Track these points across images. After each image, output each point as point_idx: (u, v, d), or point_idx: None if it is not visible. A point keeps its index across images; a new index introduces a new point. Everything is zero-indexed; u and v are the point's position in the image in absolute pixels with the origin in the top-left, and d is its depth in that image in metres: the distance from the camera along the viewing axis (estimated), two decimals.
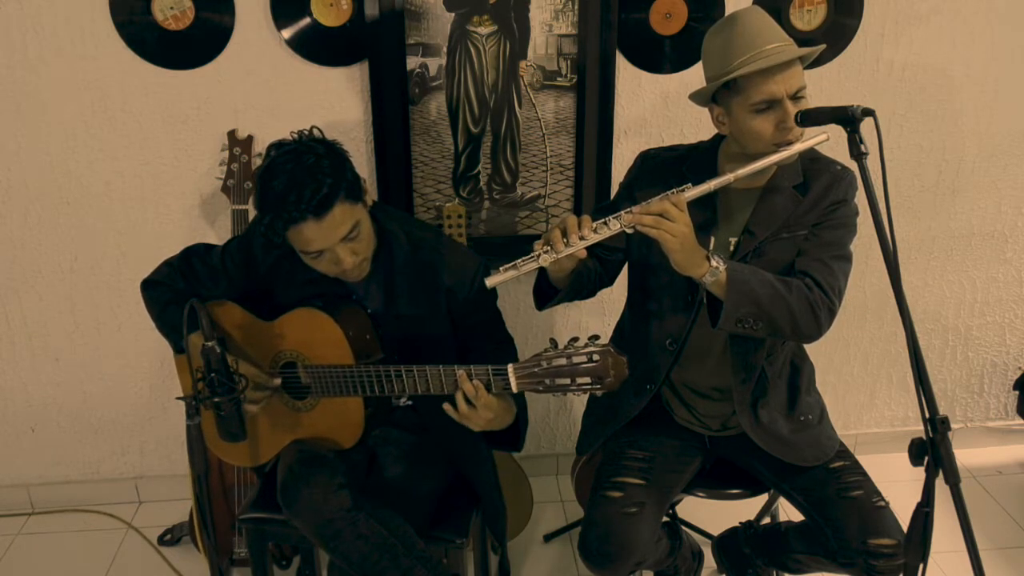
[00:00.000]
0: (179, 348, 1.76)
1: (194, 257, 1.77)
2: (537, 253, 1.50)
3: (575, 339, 1.43)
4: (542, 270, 1.56)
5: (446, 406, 1.52)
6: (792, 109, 1.50)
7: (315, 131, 1.58)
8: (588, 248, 1.50)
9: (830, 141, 1.55)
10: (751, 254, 1.64)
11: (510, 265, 1.50)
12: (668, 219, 1.46)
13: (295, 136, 1.56)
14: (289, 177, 1.47)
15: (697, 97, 1.63)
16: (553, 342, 1.44)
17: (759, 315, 1.53)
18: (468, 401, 1.50)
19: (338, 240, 1.52)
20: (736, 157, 1.60)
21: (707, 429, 1.84)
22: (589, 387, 1.42)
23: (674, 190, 1.51)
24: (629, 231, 1.50)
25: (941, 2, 2.30)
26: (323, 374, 1.64)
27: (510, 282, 1.55)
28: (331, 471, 1.63)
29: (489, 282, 1.52)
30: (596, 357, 1.40)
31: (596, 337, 1.43)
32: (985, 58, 2.37)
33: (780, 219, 1.63)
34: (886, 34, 2.32)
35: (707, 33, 1.60)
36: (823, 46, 1.58)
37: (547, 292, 1.68)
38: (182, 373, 1.83)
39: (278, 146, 1.54)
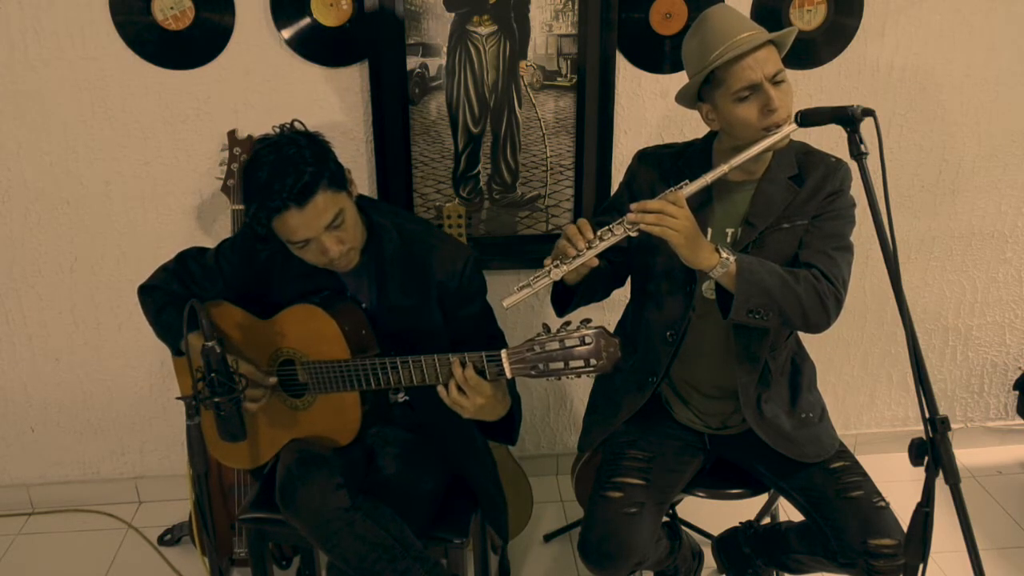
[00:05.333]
0: (177, 350, 1.76)
1: (189, 259, 1.79)
2: (548, 268, 1.52)
3: (567, 323, 1.44)
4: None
5: (439, 388, 1.53)
6: (773, 92, 1.53)
7: (296, 124, 1.61)
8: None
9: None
10: (751, 245, 1.66)
11: (524, 284, 1.52)
12: (669, 216, 1.48)
13: (277, 129, 1.58)
14: (271, 168, 1.50)
15: (683, 98, 1.67)
16: (546, 327, 1.45)
17: (769, 305, 1.55)
18: (459, 388, 1.51)
19: (323, 228, 1.53)
20: (730, 151, 1.62)
21: (707, 427, 1.84)
22: (582, 370, 1.43)
23: (672, 188, 1.53)
24: (634, 234, 1.52)
25: (941, 2, 2.30)
26: (320, 370, 1.64)
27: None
28: (329, 471, 1.63)
29: (506, 303, 1.53)
30: (588, 339, 1.41)
31: (588, 320, 1.43)
32: (985, 58, 2.37)
33: (778, 209, 1.65)
34: (886, 34, 2.32)
35: (684, 37, 1.64)
36: (795, 28, 1.62)
37: (564, 298, 1.71)
38: (180, 375, 1.83)
39: (261, 140, 1.57)
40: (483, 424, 1.64)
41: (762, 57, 1.53)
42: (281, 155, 1.51)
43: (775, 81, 1.54)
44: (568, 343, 1.42)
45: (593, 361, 1.42)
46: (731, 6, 1.62)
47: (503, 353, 1.47)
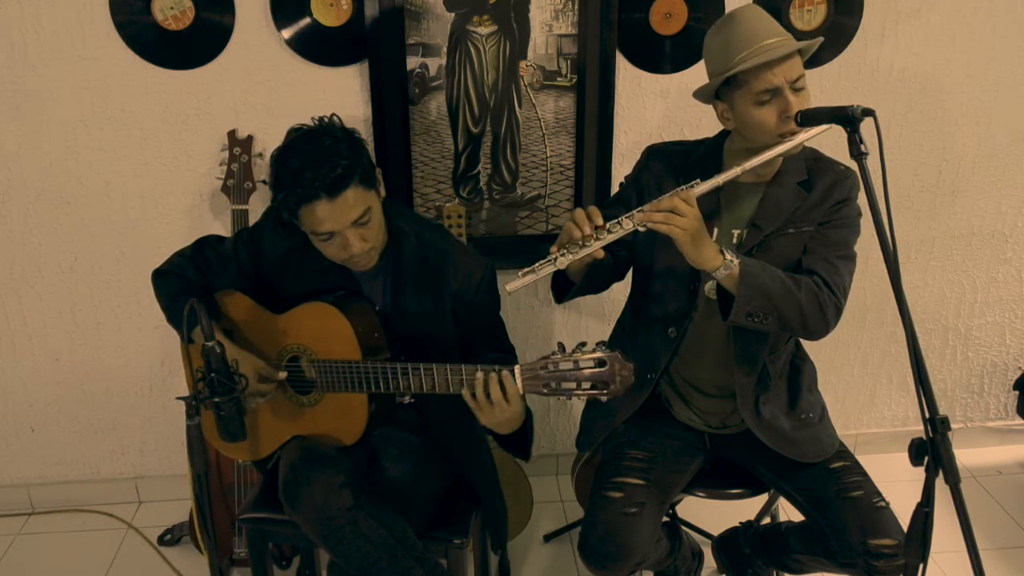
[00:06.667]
0: (188, 338, 1.76)
1: (207, 247, 1.79)
2: (554, 256, 1.53)
3: (583, 344, 1.43)
4: None
5: (465, 392, 1.52)
6: (792, 99, 1.53)
7: (335, 118, 1.60)
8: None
9: (831, 141, 1.56)
10: (756, 248, 1.66)
11: (528, 270, 1.53)
12: (678, 215, 1.48)
13: (315, 121, 1.58)
14: (305, 156, 1.50)
15: (701, 95, 1.66)
16: (561, 346, 1.44)
17: (769, 309, 1.55)
18: (487, 395, 1.50)
19: (349, 223, 1.53)
20: (742, 152, 1.62)
21: (707, 426, 1.84)
22: (595, 392, 1.42)
23: (683, 187, 1.54)
24: (641, 229, 1.53)
25: (941, 2, 2.30)
26: (329, 369, 1.64)
27: (509, 278, 1.56)
28: (333, 469, 1.63)
29: (509, 288, 1.53)
30: (604, 362, 1.40)
31: (604, 343, 1.43)
32: (985, 58, 2.37)
33: (785, 213, 1.65)
34: (886, 34, 2.32)
35: (708, 32, 1.63)
36: (821, 39, 1.61)
37: (563, 286, 1.71)
38: (187, 364, 1.83)
39: (297, 129, 1.57)
40: (499, 436, 1.63)
41: (787, 64, 1.53)
42: (317, 144, 1.51)
43: (795, 88, 1.54)
44: (582, 364, 1.41)
45: (606, 385, 1.40)
46: (760, 7, 1.60)
47: (516, 369, 1.46)
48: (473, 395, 1.51)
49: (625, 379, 1.40)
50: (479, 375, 1.50)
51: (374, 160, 2.28)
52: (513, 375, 1.47)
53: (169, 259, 1.80)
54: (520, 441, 1.66)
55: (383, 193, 1.63)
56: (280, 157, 1.54)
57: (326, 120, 1.58)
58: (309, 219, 1.53)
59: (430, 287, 1.69)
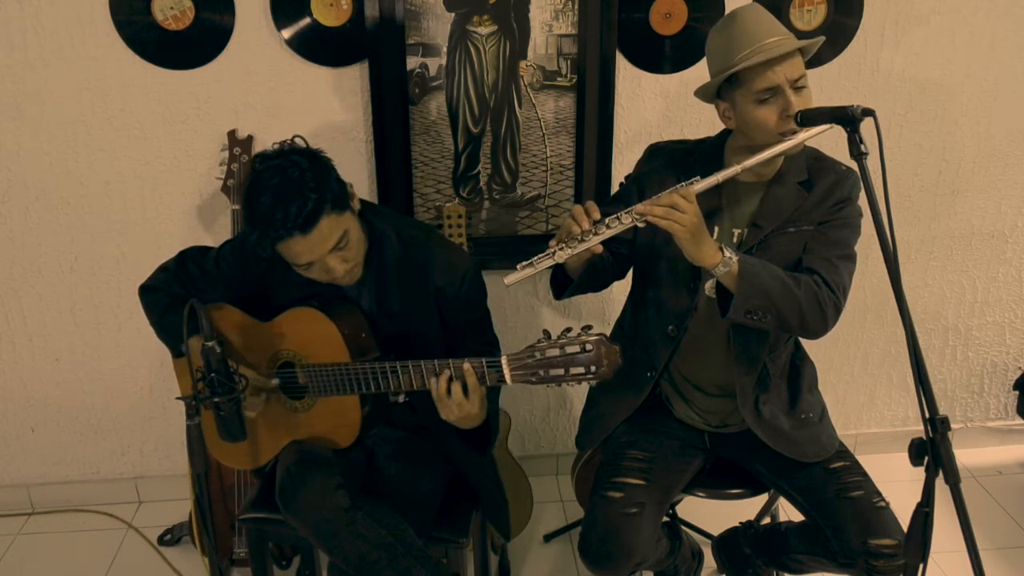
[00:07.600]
0: (178, 352, 1.76)
1: (189, 261, 1.77)
2: (553, 250, 1.53)
3: (568, 329, 1.44)
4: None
5: (431, 383, 1.53)
6: (793, 98, 1.53)
7: (298, 140, 1.59)
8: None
9: (831, 141, 1.56)
10: (756, 247, 1.66)
11: (527, 263, 1.53)
12: (678, 210, 1.49)
13: (278, 147, 1.56)
14: (274, 193, 1.48)
15: (702, 93, 1.66)
16: (546, 333, 1.45)
17: (768, 307, 1.55)
18: (449, 391, 1.52)
19: (327, 251, 1.53)
20: (743, 151, 1.62)
21: (707, 425, 1.84)
22: (583, 377, 1.42)
23: (683, 183, 1.54)
24: (641, 225, 1.53)
25: (941, 2, 2.30)
26: (320, 373, 1.64)
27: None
28: (329, 471, 1.63)
29: (507, 280, 1.54)
30: (589, 347, 1.41)
31: (589, 327, 1.43)
32: (985, 58, 2.37)
33: (786, 213, 1.66)
34: (886, 34, 2.32)
35: (710, 31, 1.63)
36: (822, 38, 1.61)
37: (563, 282, 1.72)
38: (181, 376, 1.83)
39: (262, 158, 1.55)
40: (459, 430, 1.64)
41: (788, 63, 1.53)
42: (284, 178, 1.49)
43: (796, 87, 1.54)
44: (569, 350, 1.41)
45: (594, 368, 1.41)
46: (761, 7, 1.60)
47: (503, 359, 1.47)
48: (438, 386, 1.52)
49: (612, 361, 1.41)
50: (446, 372, 1.51)
51: (373, 162, 2.29)
52: (499, 365, 1.47)
53: (153, 275, 1.79)
54: (480, 438, 1.67)
55: (357, 206, 1.62)
56: (249, 193, 1.52)
57: (288, 144, 1.56)
58: (287, 253, 1.53)
59: (414, 286, 1.68)
